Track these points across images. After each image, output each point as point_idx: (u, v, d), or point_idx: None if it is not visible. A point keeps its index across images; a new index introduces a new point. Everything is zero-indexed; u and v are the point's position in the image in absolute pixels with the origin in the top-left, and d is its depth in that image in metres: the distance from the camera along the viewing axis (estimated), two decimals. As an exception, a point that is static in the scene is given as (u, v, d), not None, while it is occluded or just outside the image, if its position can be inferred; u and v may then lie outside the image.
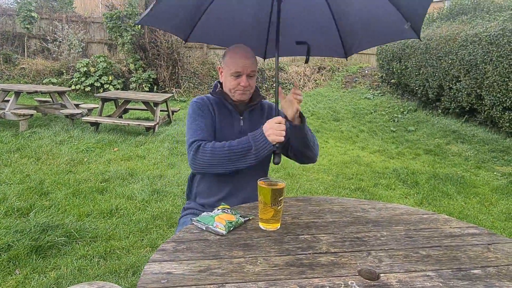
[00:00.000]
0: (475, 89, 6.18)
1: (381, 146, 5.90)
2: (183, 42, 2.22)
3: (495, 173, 4.54)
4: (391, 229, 1.29)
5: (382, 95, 9.81)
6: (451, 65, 6.72)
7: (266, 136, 1.43)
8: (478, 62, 6.07)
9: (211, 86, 10.55)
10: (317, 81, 10.95)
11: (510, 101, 5.47)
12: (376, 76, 11.00)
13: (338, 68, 11.40)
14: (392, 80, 9.47)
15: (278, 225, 1.25)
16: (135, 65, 9.63)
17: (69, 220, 2.81)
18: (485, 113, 6.05)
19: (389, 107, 8.63)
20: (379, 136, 6.59)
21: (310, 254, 1.09)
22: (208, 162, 1.45)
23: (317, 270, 1.00)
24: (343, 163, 4.85)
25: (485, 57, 5.92)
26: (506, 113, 5.56)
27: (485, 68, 5.93)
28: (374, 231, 1.27)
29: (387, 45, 9.54)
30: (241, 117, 1.65)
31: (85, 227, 2.74)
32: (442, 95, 7.20)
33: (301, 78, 10.89)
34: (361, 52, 12.13)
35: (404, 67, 8.52)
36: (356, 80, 10.78)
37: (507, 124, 5.55)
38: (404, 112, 8.02)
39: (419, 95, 8.08)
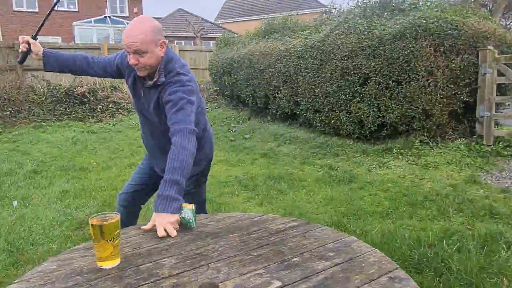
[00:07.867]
0: (292, 96, 7.21)
1: (224, 156, 6.26)
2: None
3: (315, 166, 5.40)
4: (227, 238, 1.42)
5: (219, 107, 10.39)
6: (272, 77, 7.66)
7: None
8: (292, 73, 7.10)
9: (33, 113, 9.23)
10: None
11: (318, 105, 6.60)
12: (211, 90, 11.58)
13: (175, 84, 11.52)
14: (226, 93, 10.15)
15: (118, 260, 1.22)
16: None
17: None
18: (302, 116, 7.13)
19: (226, 118, 9.22)
20: (221, 147, 6.97)
21: (152, 282, 1.11)
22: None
23: (159, 296, 1.03)
24: (189, 178, 4.95)
25: (296, 69, 6.97)
26: (317, 115, 6.68)
27: (297, 78, 6.98)
28: (212, 243, 1.37)
29: (216, 60, 10.17)
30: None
31: None
32: (268, 103, 8.12)
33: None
34: (195, 67, 12.44)
35: (234, 80, 9.25)
36: (193, 95, 11.11)
37: (319, 124, 6.68)
38: (240, 122, 8.70)
39: (250, 105, 8.90)
